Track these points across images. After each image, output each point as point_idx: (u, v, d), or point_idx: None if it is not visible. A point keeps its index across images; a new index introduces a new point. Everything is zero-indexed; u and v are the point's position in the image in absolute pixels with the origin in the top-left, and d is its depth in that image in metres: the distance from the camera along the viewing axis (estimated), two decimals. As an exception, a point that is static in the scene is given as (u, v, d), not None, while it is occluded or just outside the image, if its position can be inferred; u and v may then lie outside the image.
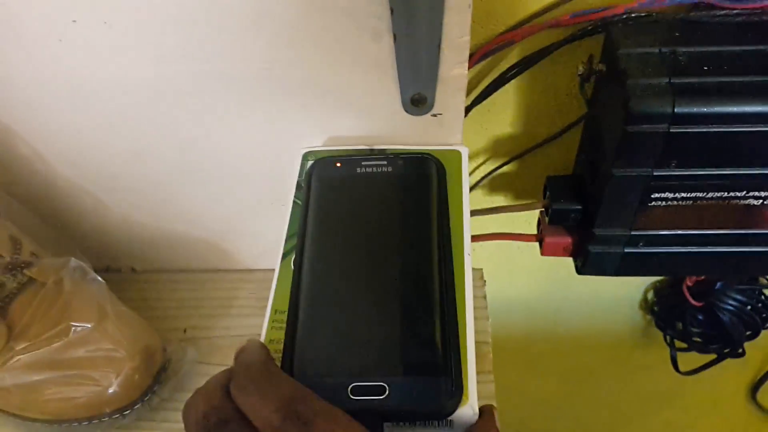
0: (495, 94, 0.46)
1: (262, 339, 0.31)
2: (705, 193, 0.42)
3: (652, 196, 0.42)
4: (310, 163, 0.38)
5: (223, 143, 0.40)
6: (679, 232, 0.44)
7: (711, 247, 0.45)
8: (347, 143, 0.39)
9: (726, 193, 0.42)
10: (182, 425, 0.41)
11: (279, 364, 0.29)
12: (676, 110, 0.36)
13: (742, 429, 0.88)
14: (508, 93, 0.47)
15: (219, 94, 0.37)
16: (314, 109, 0.37)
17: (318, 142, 0.39)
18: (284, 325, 0.31)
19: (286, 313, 0.31)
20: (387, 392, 0.27)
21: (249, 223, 0.46)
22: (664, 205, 0.42)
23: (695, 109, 0.36)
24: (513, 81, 0.45)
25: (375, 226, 0.34)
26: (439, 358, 0.28)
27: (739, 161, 0.39)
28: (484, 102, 0.46)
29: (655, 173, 0.40)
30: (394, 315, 0.30)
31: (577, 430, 0.92)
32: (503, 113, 0.48)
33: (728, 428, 0.89)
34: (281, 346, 0.30)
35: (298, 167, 0.38)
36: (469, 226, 0.34)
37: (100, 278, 0.41)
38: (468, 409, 0.28)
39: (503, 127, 0.50)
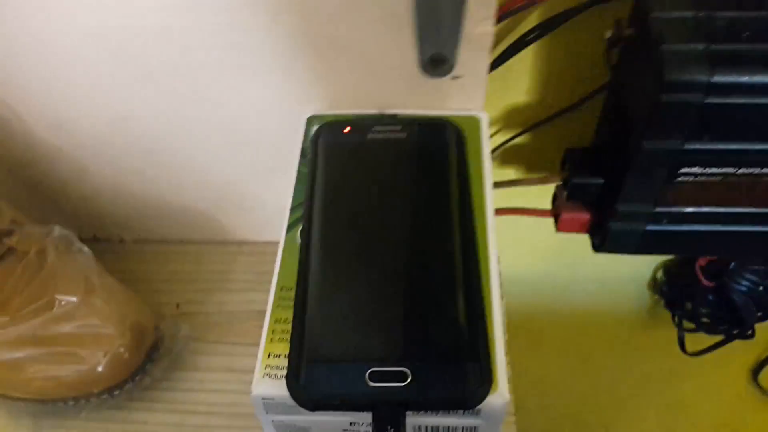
0: (512, 60, 0.43)
1: (267, 318, 0.29)
2: (736, 169, 0.39)
3: (681, 171, 0.39)
4: (315, 128, 0.35)
5: (218, 105, 0.37)
6: (706, 209, 0.42)
7: (737, 226, 0.43)
8: (355, 107, 0.36)
9: (759, 169, 0.39)
10: (176, 406, 0.39)
11: (288, 347, 0.27)
12: (713, 79, 0.34)
13: (743, 410, 0.87)
14: (526, 58, 0.44)
15: (216, 51, 0.33)
16: (319, 67, 0.34)
17: (322, 105, 0.36)
18: (292, 303, 0.28)
19: (294, 290, 0.29)
20: (409, 379, 0.25)
21: (246, 192, 0.43)
22: (692, 181, 0.40)
23: (733, 79, 0.34)
24: (532, 45, 0.42)
25: (390, 197, 0.31)
26: (466, 341, 0.26)
27: (775, 135, 0.37)
28: (500, 68, 0.43)
29: (685, 146, 0.37)
30: (415, 294, 0.27)
31: (576, 409, 0.91)
32: (520, 80, 0.45)
33: (729, 410, 0.88)
34: (289, 327, 0.28)
35: (302, 132, 0.35)
36: (492, 198, 0.32)
37: (86, 248, 0.38)
38: (498, 398, 0.25)
39: (519, 95, 0.47)
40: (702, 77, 0.34)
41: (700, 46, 0.34)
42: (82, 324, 0.36)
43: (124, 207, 0.44)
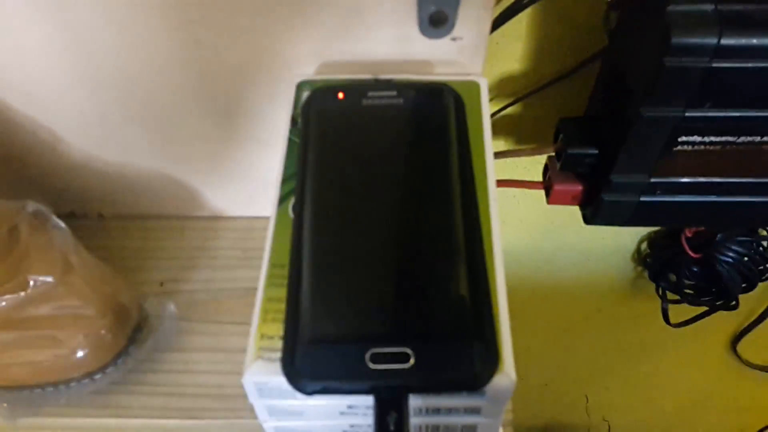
0: (505, 25, 0.41)
1: (259, 297, 0.27)
2: (736, 138, 0.38)
3: (679, 139, 0.38)
4: (306, 94, 0.33)
5: (199, 71, 0.35)
6: (701, 179, 0.41)
7: (732, 197, 0.42)
8: (346, 72, 0.34)
9: (759, 138, 0.38)
10: (162, 389, 0.38)
11: (282, 328, 0.25)
12: (722, 42, 0.33)
13: (721, 379, 0.88)
14: (520, 24, 0.43)
15: (194, 10, 0.31)
16: (307, 29, 0.32)
17: (311, 70, 0.34)
18: (285, 281, 0.27)
19: (287, 267, 0.27)
20: (412, 360, 0.23)
21: (232, 163, 0.41)
22: (689, 150, 0.39)
23: (743, 41, 0.33)
24: (526, 10, 0.41)
25: (387, 167, 0.29)
26: (471, 319, 0.25)
27: (779, 102, 0.36)
28: (493, 34, 0.42)
29: (686, 114, 0.36)
30: (416, 270, 0.26)
31: (557, 379, 0.92)
32: (513, 46, 0.44)
33: (707, 379, 0.89)
34: (283, 306, 0.26)
35: (292, 99, 0.33)
36: (493, 168, 0.30)
37: (63, 225, 0.36)
38: (505, 378, 0.24)
39: (511, 63, 0.45)
40: (710, 40, 0.32)
41: (709, 7, 0.33)
42: (59, 305, 0.34)
43: (102, 180, 0.42)
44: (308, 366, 0.24)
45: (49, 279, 0.34)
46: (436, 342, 0.24)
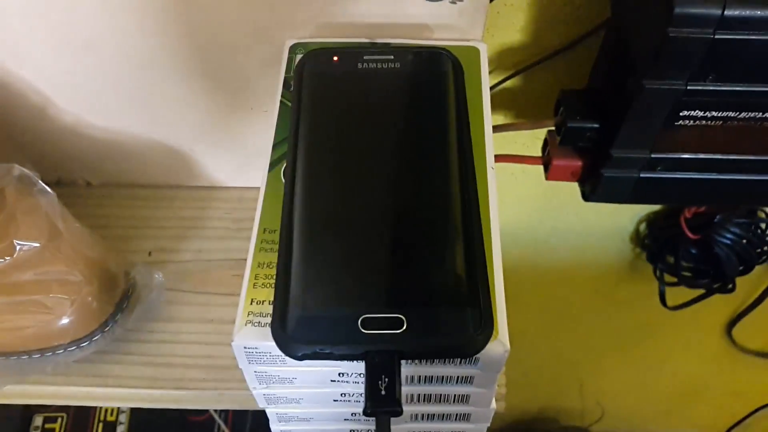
0: (506, -6, 0.40)
1: (249, 262, 0.27)
2: (738, 113, 0.38)
3: (681, 114, 0.38)
4: (299, 56, 0.32)
5: (190, 31, 0.34)
6: (702, 156, 0.41)
7: (733, 174, 0.42)
8: (342, 35, 0.33)
9: (760, 114, 0.38)
10: (150, 359, 0.37)
11: (272, 293, 0.25)
12: (726, 12, 0.32)
13: (716, 363, 0.88)
14: (521, -6, 0.42)
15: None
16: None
17: (305, 32, 0.33)
18: (276, 246, 0.26)
19: (278, 232, 0.26)
20: (405, 325, 0.23)
21: (224, 131, 0.40)
22: (691, 125, 0.38)
23: (747, 12, 0.32)
24: (530, -22, 0.40)
25: (382, 132, 0.29)
26: (465, 285, 0.24)
27: (782, 77, 0.35)
28: (495, 2, 0.41)
29: (688, 87, 0.36)
30: (410, 235, 0.25)
31: (552, 362, 0.92)
32: (515, 16, 0.43)
33: (702, 363, 0.89)
34: (273, 272, 0.25)
35: (285, 62, 0.32)
36: (491, 136, 0.29)
37: (49, 190, 0.35)
38: (499, 345, 0.24)
39: (513, 33, 0.44)
40: (714, 11, 0.32)
41: (712, -24, 0.32)
42: (45, 270, 0.33)
43: (89, 147, 0.41)
44: (298, 331, 0.23)
45: (36, 244, 0.33)
46: (430, 308, 0.24)
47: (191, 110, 0.38)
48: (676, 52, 0.34)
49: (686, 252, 0.63)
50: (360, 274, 0.24)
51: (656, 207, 0.64)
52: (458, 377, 0.27)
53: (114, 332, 0.36)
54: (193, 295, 0.39)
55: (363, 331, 0.23)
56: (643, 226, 0.66)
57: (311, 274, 0.25)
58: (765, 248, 0.62)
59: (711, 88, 0.36)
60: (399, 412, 0.22)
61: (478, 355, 0.24)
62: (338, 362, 0.26)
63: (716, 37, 0.33)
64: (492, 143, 0.29)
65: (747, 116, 0.38)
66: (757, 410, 0.91)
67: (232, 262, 0.40)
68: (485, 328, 0.24)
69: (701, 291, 0.67)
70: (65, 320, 0.34)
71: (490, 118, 0.30)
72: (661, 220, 0.65)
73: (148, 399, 0.36)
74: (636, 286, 0.74)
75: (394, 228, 0.26)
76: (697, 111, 0.38)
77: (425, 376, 0.27)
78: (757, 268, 0.63)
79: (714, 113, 0.38)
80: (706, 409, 1.00)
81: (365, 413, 0.22)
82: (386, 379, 0.22)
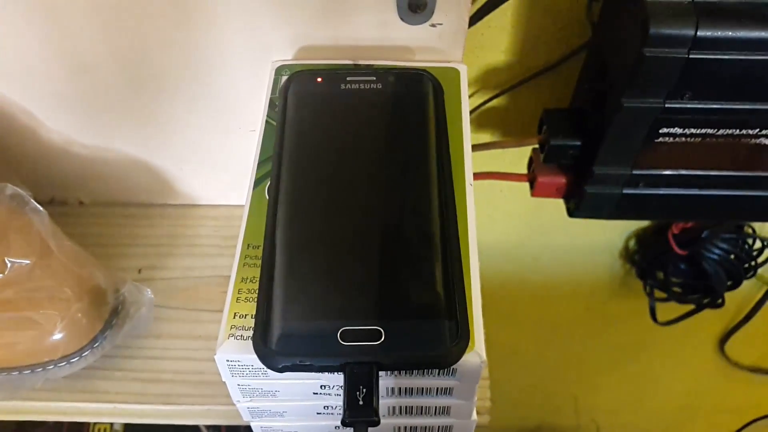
0: (489, 16, 0.41)
1: (233, 277, 0.27)
2: (716, 130, 0.39)
3: (660, 131, 0.39)
4: (285, 78, 0.33)
5: (180, 55, 0.35)
6: (683, 172, 0.42)
7: (713, 190, 0.43)
8: (325, 57, 0.34)
9: (737, 131, 0.39)
10: (138, 375, 0.38)
11: (254, 307, 0.25)
12: (698, 33, 0.33)
13: (709, 380, 0.88)
14: (506, 14, 0.43)
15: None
16: (287, 12, 0.32)
17: (290, 54, 0.34)
18: (259, 262, 0.27)
19: (261, 248, 0.27)
20: (383, 337, 0.24)
21: (212, 151, 0.41)
22: (670, 142, 0.39)
23: (719, 33, 0.33)
24: (511, 1, 0.41)
25: (364, 151, 0.29)
26: (442, 298, 0.25)
27: (757, 95, 0.36)
28: (477, 24, 0.42)
29: (666, 105, 0.37)
30: (389, 250, 0.26)
31: (546, 378, 0.92)
32: (498, 38, 0.44)
33: (695, 379, 0.89)
34: (256, 286, 0.26)
35: (270, 83, 0.33)
36: (470, 154, 0.30)
37: (41, 208, 0.36)
38: (475, 357, 0.24)
39: (496, 54, 0.45)
40: (687, 31, 0.33)
41: (686, -1, 0.33)
42: (36, 287, 0.34)
43: (81, 167, 0.42)
44: (279, 343, 0.24)
45: (26, 261, 0.34)
46: (407, 320, 0.24)
47: (181, 131, 0.39)
48: (653, 71, 0.35)
49: (675, 268, 0.63)
50: (339, 288, 0.25)
51: (644, 223, 0.64)
52: (438, 389, 0.27)
53: (104, 348, 0.36)
54: (182, 311, 0.39)
55: (342, 343, 0.23)
56: (632, 242, 0.67)
57: (292, 287, 0.25)
58: (752, 263, 0.62)
59: (688, 105, 0.37)
60: (376, 422, 0.23)
61: (455, 366, 0.24)
62: (319, 374, 0.26)
63: (690, 56, 0.34)
64: (471, 161, 0.30)
65: (725, 133, 0.39)
66: (750, 423, 0.91)
67: (220, 278, 0.41)
68: (461, 339, 0.24)
69: (691, 306, 0.67)
70: (56, 336, 0.34)
71: (469, 137, 0.31)
72: (650, 236, 0.65)
73: (137, 414, 0.37)
74: (627, 302, 0.74)
75: (374, 244, 0.26)
76: (676, 128, 0.39)
77: (405, 388, 0.27)
78: (746, 282, 0.63)
79: (693, 130, 0.39)
80: (701, 425, 1.00)
81: (343, 423, 0.23)
82: (364, 390, 0.23)
